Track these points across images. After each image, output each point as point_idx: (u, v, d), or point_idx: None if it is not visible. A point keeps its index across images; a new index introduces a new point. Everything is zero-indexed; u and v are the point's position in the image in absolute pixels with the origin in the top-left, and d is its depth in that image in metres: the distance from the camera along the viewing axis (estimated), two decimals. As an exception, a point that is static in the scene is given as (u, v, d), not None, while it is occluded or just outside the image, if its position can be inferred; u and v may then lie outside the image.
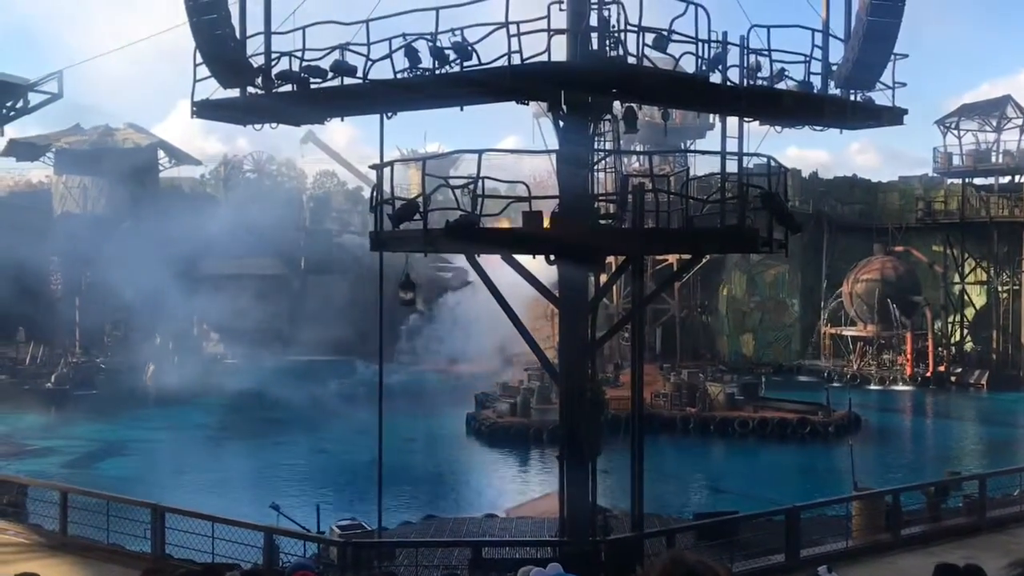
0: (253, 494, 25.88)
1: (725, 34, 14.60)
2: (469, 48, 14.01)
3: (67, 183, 65.02)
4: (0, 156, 66.32)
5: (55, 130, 65.07)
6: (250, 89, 16.03)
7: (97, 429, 40.76)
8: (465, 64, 14.07)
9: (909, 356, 53.94)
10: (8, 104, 57.07)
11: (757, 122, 16.92)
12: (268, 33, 16.01)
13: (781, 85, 15.81)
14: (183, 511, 15.53)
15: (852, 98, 16.72)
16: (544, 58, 13.45)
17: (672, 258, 46.31)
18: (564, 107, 14.60)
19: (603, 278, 15.85)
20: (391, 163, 15.30)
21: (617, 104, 15.59)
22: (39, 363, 50.29)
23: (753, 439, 39.68)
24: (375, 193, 14.93)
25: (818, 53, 16.41)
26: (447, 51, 14.13)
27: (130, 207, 62.39)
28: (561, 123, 14.79)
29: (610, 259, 16.42)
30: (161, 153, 69.85)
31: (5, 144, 62.98)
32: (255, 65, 15.82)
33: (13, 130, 60.13)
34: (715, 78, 14.59)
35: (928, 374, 53.28)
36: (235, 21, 15.84)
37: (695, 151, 34.17)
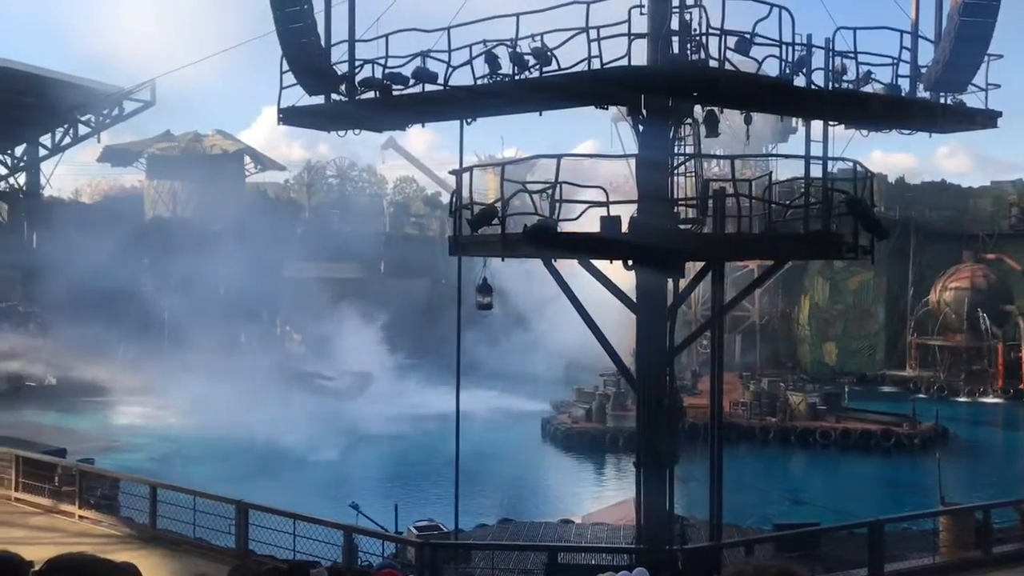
0: (333, 493, 26.33)
1: (810, 36, 14.34)
2: (549, 53, 14.06)
3: (158, 187, 67.29)
4: (96, 161, 69.04)
5: (147, 136, 67.39)
6: (334, 96, 16.36)
7: (183, 426, 41.97)
8: (545, 69, 14.12)
9: (1000, 368, 51.99)
10: (104, 112, 59.47)
11: (842, 126, 16.56)
12: (352, 41, 16.30)
13: (868, 88, 15.45)
14: (266, 508, 15.88)
15: (943, 101, 16.24)
16: (624, 62, 13.40)
17: (753, 264, 45.58)
18: (644, 111, 14.53)
19: (682, 284, 15.68)
20: (470, 168, 15.43)
21: (698, 108, 15.45)
22: (130, 360, 51.96)
23: (835, 450, 38.79)
24: (454, 198, 15.08)
25: (907, 55, 15.98)
26: (527, 57, 14.20)
27: (217, 211, 64.20)
28: (641, 127, 14.72)
29: (689, 265, 16.22)
30: (247, 158, 71.76)
31: (101, 150, 65.62)
32: (339, 72, 16.13)
33: (108, 137, 62.76)
34: (799, 81, 14.34)
35: (1021, 386, 51.28)
36: (320, 29, 16.19)
37: (778, 155, 33.58)
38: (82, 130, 58.84)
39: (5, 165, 58.58)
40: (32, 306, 51.45)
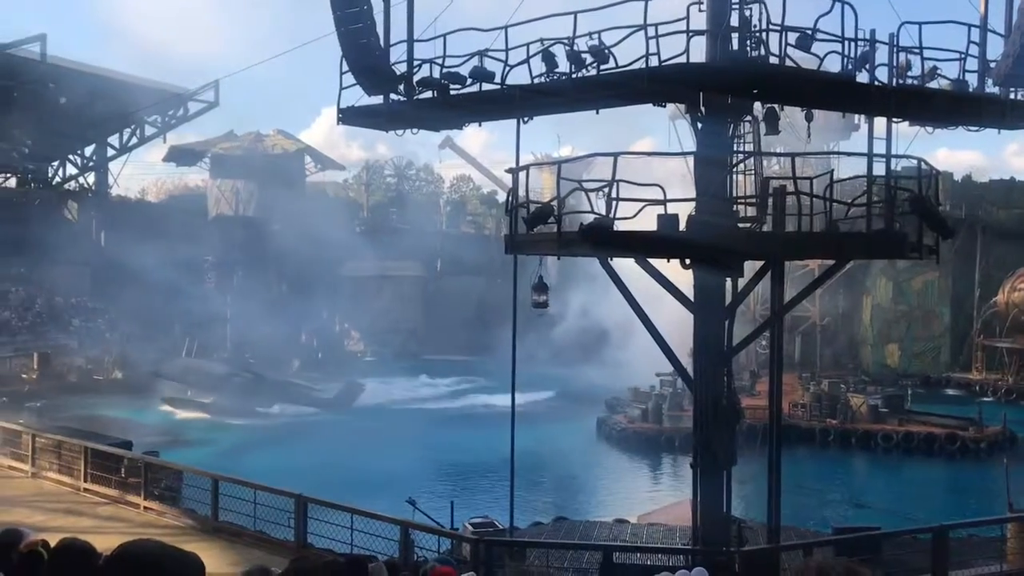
0: (389, 488, 26.56)
1: (873, 32, 14.06)
2: (606, 51, 14.00)
3: (221, 186, 68.64)
4: (162, 161, 70.68)
5: (211, 137, 68.78)
6: (392, 96, 16.51)
7: (249, 422, 42.77)
8: (602, 67, 14.07)
9: (1073, 371, 50.43)
10: (170, 113, 60.87)
11: (906, 123, 16.21)
12: (411, 41, 16.44)
13: (933, 84, 15.10)
14: (324, 502, 16.09)
15: (1012, 96, 15.79)
16: (683, 60, 13.30)
17: (813, 263, 44.89)
18: (703, 109, 14.40)
19: (741, 283, 15.50)
20: (527, 167, 15.44)
21: (758, 105, 15.26)
22: (193, 357, 53.13)
23: (897, 454, 38.01)
24: (510, 197, 15.11)
25: (975, 49, 15.57)
26: (584, 55, 14.16)
27: (279, 209, 65.24)
28: (699, 125, 14.59)
29: (748, 264, 16.03)
30: (307, 158, 72.80)
31: (167, 150, 67.20)
32: (398, 72, 16.28)
33: (173, 137, 64.27)
34: (862, 78, 14.08)
35: (1094, 390, 49.68)
36: (379, 30, 16.35)
37: (840, 152, 32.97)
38: (148, 131, 60.33)
39: (75, 165, 60.27)
40: (100, 302, 52.85)
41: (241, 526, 16.82)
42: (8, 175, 46.77)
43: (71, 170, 60.17)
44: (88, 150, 60.03)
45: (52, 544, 7.22)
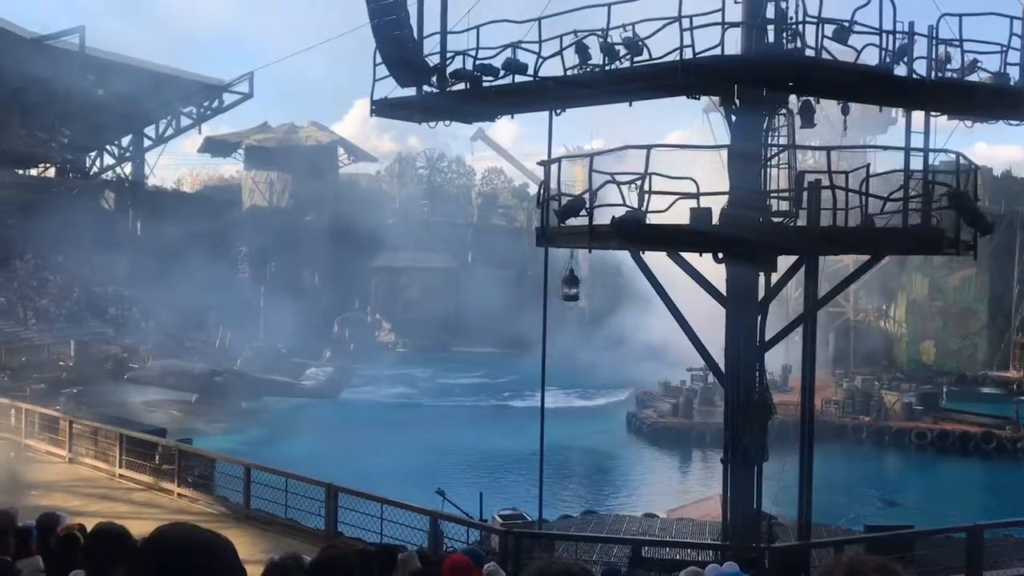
0: (419, 479, 26.70)
1: (912, 24, 13.86)
2: (640, 43, 13.92)
3: (255, 178, 69.19)
4: (197, 152, 71.40)
5: (245, 128, 69.33)
6: (425, 88, 16.53)
7: (282, 411, 43.18)
8: (636, 59, 13.99)
9: (1114, 371, 49.48)
10: (205, 104, 61.41)
11: (945, 116, 15.97)
12: (444, 33, 16.44)
13: (973, 77, 14.85)
14: (355, 491, 16.20)
15: (1055, 90, 15.49)
16: (717, 52, 13.19)
17: (848, 259, 44.34)
18: (737, 101, 14.28)
19: (774, 278, 15.37)
20: (558, 159, 15.41)
21: (793, 98, 15.10)
22: (227, 347, 53.69)
23: (931, 452, 37.57)
24: (542, 189, 15.08)
25: (1016, 42, 15.28)
26: (617, 47, 14.09)
27: (312, 201, 65.61)
28: (733, 118, 14.47)
29: (782, 259, 15.89)
30: (340, 150, 73.16)
31: (202, 141, 67.86)
32: (431, 64, 16.30)
33: (208, 128, 64.86)
34: (900, 71, 13.88)
35: None
36: (413, 22, 16.37)
37: (877, 147, 32.56)
38: (184, 122, 60.93)
39: (112, 155, 61.03)
40: (136, 290, 53.49)
41: (273, 514, 16.98)
42: (47, 165, 47.49)
43: (108, 160, 60.95)
44: (125, 141, 60.76)
45: (88, 528, 7.34)
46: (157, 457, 19.47)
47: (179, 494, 18.34)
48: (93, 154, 59.38)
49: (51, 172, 54.64)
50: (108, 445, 20.43)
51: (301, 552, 6.70)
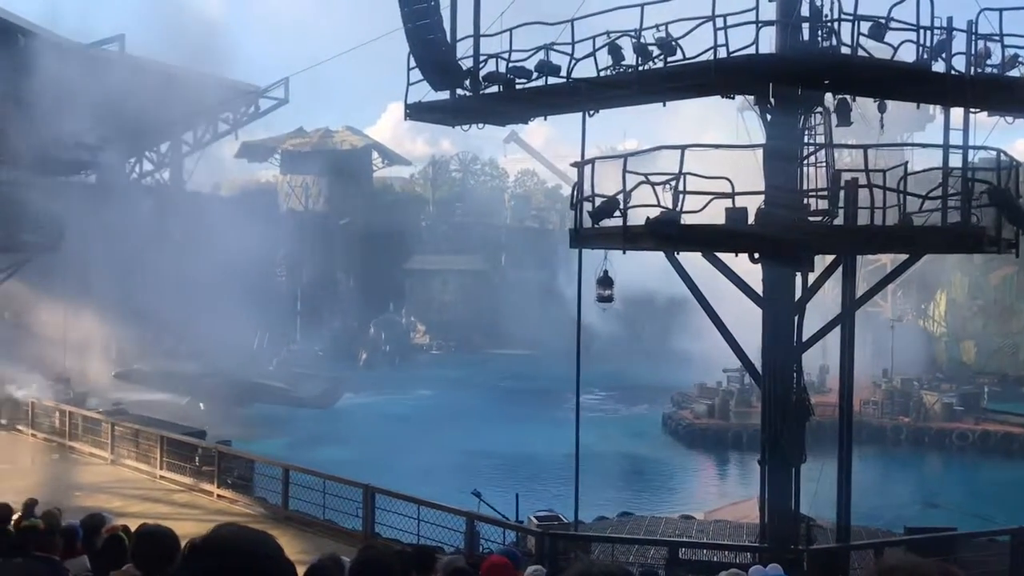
0: (455, 480, 26.79)
1: (950, 19, 13.70)
2: (673, 43, 13.89)
3: (291, 182, 69.84)
4: (234, 157, 72.15)
5: (281, 133, 69.98)
6: (459, 91, 16.61)
7: (318, 412, 43.51)
8: (669, 60, 13.96)
9: None
10: (242, 110, 62.07)
11: (985, 113, 15.74)
12: (477, 36, 16.51)
13: (1014, 72, 14.63)
14: (391, 493, 16.31)
15: (1098, 84, 15.20)
16: (752, 51, 13.12)
17: (886, 258, 43.82)
18: (772, 100, 14.19)
19: (811, 278, 15.24)
20: (592, 160, 15.40)
21: (829, 96, 14.97)
22: (264, 348, 54.17)
23: (973, 453, 36.96)
24: (575, 190, 15.08)
25: (1059, 36, 15.04)
26: (651, 47, 14.07)
27: (347, 205, 66.06)
28: (768, 117, 14.38)
29: (819, 258, 15.76)
30: (374, 154, 73.59)
31: (239, 147, 68.58)
32: (464, 68, 16.37)
33: (245, 134, 65.51)
34: (938, 67, 13.72)
35: None
36: (446, 26, 16.46)
37: (915, 144, 32.11)
38: (221, 127, 61.64)
39: (151, 161, 61.88)
40: (175, 294, 54.06)
41: (311, 515, 17.15)
42: (89, 172, 48.33)
43: (147, 166, 61.81)
44: (164, 147, 61.57)
45: (132, 529, 7.47)
46: (197, 459, 19.74)
47: (219, 495, 18.58)
48: (133, 160, 60.26)
49: (92, 179, 55.53)
50: (149, 447, 20.76)
51: (339, 553, 6.77)
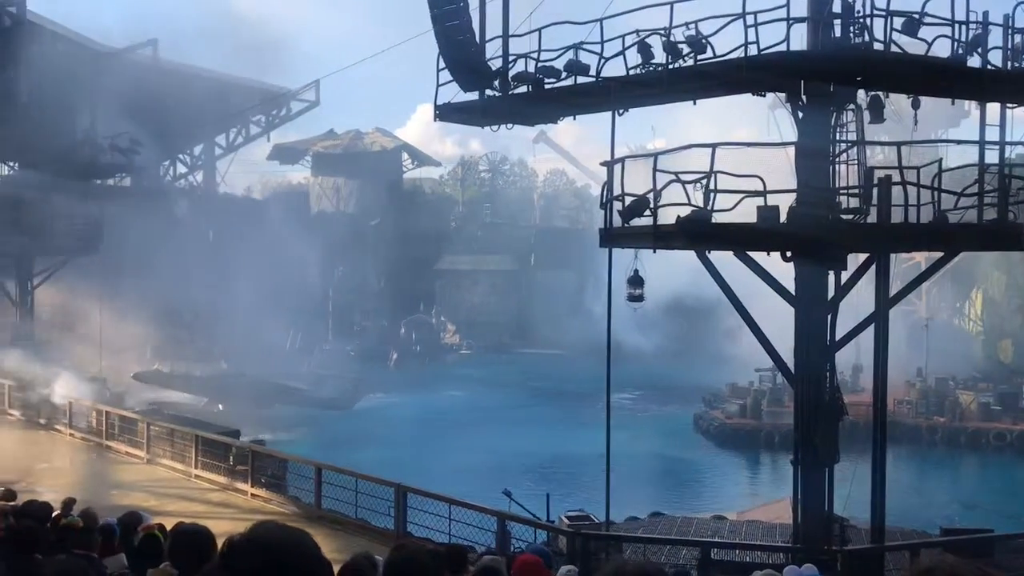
0: (485, 479, 26.85)
1: (986, 14, 13.51)
2: (704, 41, 13.83)
3: (322, 183, 70.35)
4: (266, 160, 72.81)
5: (311, 135, 70.48)
6: (488, 91, 16.64)
7: (347, 412, 43.78)
8: (699, 58, 13.89)
9: None
10: (273, 112, 62.63)
11: (1021, 108, 15.51)
12: (506, 36, 16.54)
13: (1052, 66, 14.39)
14: (423, 492, 16.37)
15: None
16: (783, 48, 13.03)
17: (920, 256, 43.30)
18: (804, 98, 14.08)
19: (844, 276, 15.09)
20: (622, 159, 15.35)
21: (861, 92, 14.82)
22: (297, 349, 54.61)
23: (1011, 454, 36.40)
24: (605, 190, 15.05)
25: (1099, 29, 14.78)
26: (681, 45, 14.01)
27: (377, 206, 66.40)
28: (800, 114, 14.27)
29: (852, 257, 15.60)
30: (404, 155, 73.90)
31: (270, 149, 69.21)
32: (493, 68, 16.40)
33: (276, 136, 66.11)
34: (974, 62, 13.54)
35: None
36: (474, 26, 16.50)
37: (950, 141, 31.65)
38: (253, 130, 62.22)
39: (185, 164, 62.58)
40: (209, 295, 54.65)
41: (343, 514, 17.25)
42: (124, 175, 49.02)
43: (181, 169, 62.53)
44: (197, 149, 62.24)
45: (168, 528, 7.57)
46: (231, 458, 19.93)
47: (253, 494, 18.74)
48: (166, 163, 61.01)
49: (127, 181, 56.29)
50: (184, 446, 21.00)
51: (371, 552, 6.81)
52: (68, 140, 36.97)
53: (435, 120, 17.64)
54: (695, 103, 15.64)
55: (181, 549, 4.63)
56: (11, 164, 42.96)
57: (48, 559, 5.32)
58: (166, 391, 40.90)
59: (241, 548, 2.18)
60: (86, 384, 29.75)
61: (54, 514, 9.08)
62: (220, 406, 39.14)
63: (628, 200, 14.37)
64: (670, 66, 14.17)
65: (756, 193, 13.38)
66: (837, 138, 14.66)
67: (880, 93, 14.54)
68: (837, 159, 14.56)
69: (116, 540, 7.92)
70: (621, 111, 15.98)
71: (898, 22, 12.87)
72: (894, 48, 12.99)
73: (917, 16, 13.02)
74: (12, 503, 10.24)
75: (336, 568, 5.29)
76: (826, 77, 13.77)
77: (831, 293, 14.73)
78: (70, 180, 37.08)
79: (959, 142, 18.11)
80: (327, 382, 46.48)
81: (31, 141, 35.74)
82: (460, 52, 16.18)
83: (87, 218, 38.41)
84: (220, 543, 2.51)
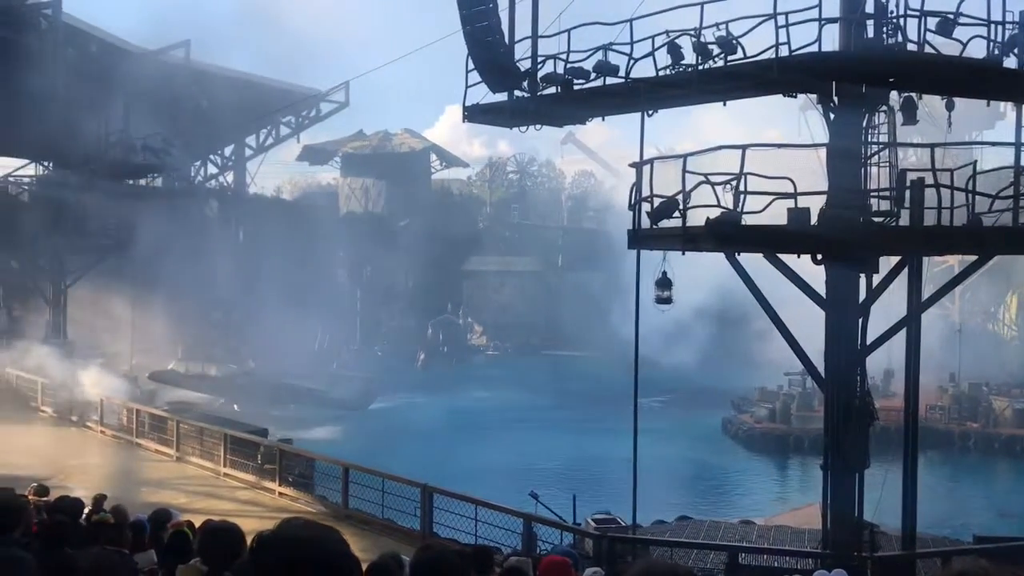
0: (512, 481, 26.84)
1: (1023, 13, 13.30)
2: (734, 42, 13.74)
3: (351, 184, 70.71)
4: (295, 160, 73.33)
5: (341, 136, 70.89)
6: (517, 92, 16.64)
7: (374, 412, 43.97)
8: (730, 58, 13.81)
9: None
10: (303, 113, 63.07)
11: (1059, 109, 15.25)
12: (535, 37, 16.53)
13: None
14: (449, 493, 16.38)
15: None
16: (814, 48, 12.91)
17: (953, 259, 42.70)
18: (835, 99, 13.94)
19: (875, 279, 14.92)
20: (651, 160, 15.29)
21: (894, 94, 14.66)
22: (325, 349, 54.91)
23: (1046, 460, 35.84)
24: (633, 191, 14.99)
25: None
26: (711, 46, 13.93)
27: (406, 207, 66.63)
28: (831, 115, 14.13)
29: (884, 259, 15.43)
30: (433, 156, 74.11)
31: (300, 150, 69.69)
32: (522, 69, 16.40)
33: (306, 137, 66.57)
34: (1010, 63, 13.34)
35: None
36: (503, 27, 16.50)
37: (984, 143, 31.21)
38: (283, 131, 62.67)
39: (215, 164, 63.14)
40: (239, 294, 55.13)
41: (370, 514, 17.30)
42: (156, 175, 49.56)
43: (212, 169, 63.11)
44: (227, 150, 62.77)
45: (197, 525, 7.63)
46: (259, 457, 20.07)
47: (280, 493, 18.86)
48: (197, 163, 61.60)
49: (159, 182, 56.94)
50: (213, 444, 21.17)
51: (398, 552, 6.82)
52: (101, 140, 37.42)
53: (464, 121, 17.68)
54: (725, 104, 15.55)
55: (211, 546, 4.66)
56: (45, 164, 43.53)
57: (83, 551, 5.38)
58: (181, 391, 41.12)
59: (271, 544, 2.19)
60: (117, 382, 30.12)
61: (86, 510, 9.18)
62: (235, 406, 39.41)
63: (657, 202, 14.30)
64: (700, 67, 14.09)
65: (786, 195, 13.26)
66: (869, 140, 14.50)
67: (913, 94, 14.38)
68: (869, 161, 14.40)
69: (146, 536, 8.00)
70: (650, 112, 15.91)
71: (932, 22, 12.72)
72: (928, 49, 12.83)
73: (952, 16, 12.86)
74: (45, 499, 10.38)
75: (363, 567, 5.30)
76: (858, 78, 13.63)
77: (862, 296, 14.57)
78: (103, 180, 37.54)
79: (994, 144, 17.83)
80: (341, 383, 46.61)
81: (65, 141, 36.21)
82: (489, 53, 16.20)
83: (119, 218, 38.87)
84: (248, 541, 2.53)
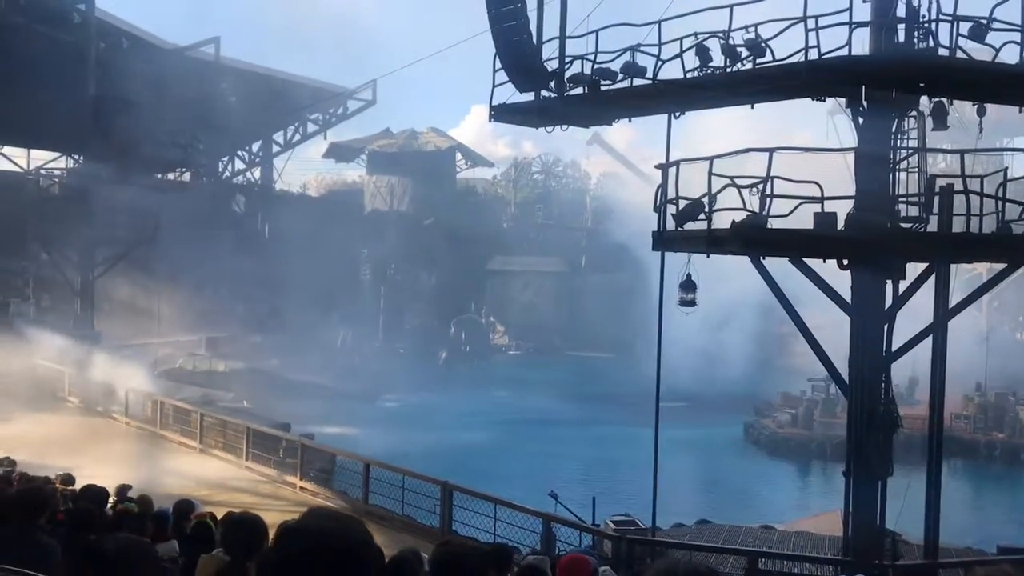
0: (532, 480, 26.83)
1: (1058, 19, 13.14)
2: (763, 44, 13.67)
3: (377, 182, 70.95)
4: (322, 158, 73.71)
5: (367, 134, 71.15)
6: (544, 93, 16.64)
7: (396, 408, 44.10)
8: (758, 61, 13.74)
9: None
10: (330, 111, 63.40)
11: (1093, 117, 15.06)
12: (563, 38, 16.51)
13: None
14: (469, 491, 16.42)
15: None
16: (844, 52, 12.82)
17: (982, 267, 42.26)
18: (865, 103, 13.83)
19: (902, 286, 14.79)
20: (676, 162, 15.24)
21: (924, 99, 14.53)
22: (347, 347, 55.11)
23: (1074, 472, 35.36)
24: (659, 193, 14.95)
25: None
26: (740, 48, 13.87)
27: (430, 205, 66.78)
28: (860, 120, 14.03)
29: (911, 266, 15.30)
30: (458, 155, 74.21)
31: (327, 147, 70.06)
32: (550, 69, 16.39)
33: (333, 134, 66.92)
34: (1044, 68, 13.17)
35: None
36: (531, 27, 16.50)
37: (1015, 149, 30.89)
38: (310, 128, 63.04)
39: (243, 160, 63.61)
40: (264, 291, 55.52)
41: (390, 510, 17.38)
42: (184, 170, 50.00)
43: (239, 165, 63.59)
44: (255, 146, 63.23)
45: (219, 516, 7.70)
46: (281, 451, 20.22)
47: (301, 487, 18.99)
48: (225, 159, 62.09)
49: (187, 176, 57.47)
50: (235, 437, 21.35)
51: (417, 548, 6.86)
52: (131, 135, 37.83)
53: (490, 120, 17.69)
54: (753, 107, 15.47)
55: (234, 537, 4.71)
56: (76, 157, 44.04)
57: (110, 535, 5.45)
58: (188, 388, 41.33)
59: (296, 533, 2.21)
60: (142, 374, 30.42)
61: (110, 499, 9.30)
62: (245, 402, 39.67)
63: (682, 204, 14.26)
64: (728, 69, 14.03)
65: (813, 199, 13.18)
66: (898, 145, 14.39)
67: (944, 100, 14.24)
68: (897, 166, 14.29)
69: (169, 527, 8.09)
70: (677, 114, 15.88)
71: (965, 27, 12.60)
72: (960, 54, 12.71)
73: (984, 21, 12.72)
74: (71, 487, 10.52)
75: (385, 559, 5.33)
76: (889, 83, 13.52)
77: (888, 303, 14.46)
78: (132, 174, 37.95)
79: (1025, 151, 17.64)
80: (349, 377, 46.87)
81: (95, 135, 36.65)
82: (517, 53, 16.21)
83: (148, 211, 39.28)
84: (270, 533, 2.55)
